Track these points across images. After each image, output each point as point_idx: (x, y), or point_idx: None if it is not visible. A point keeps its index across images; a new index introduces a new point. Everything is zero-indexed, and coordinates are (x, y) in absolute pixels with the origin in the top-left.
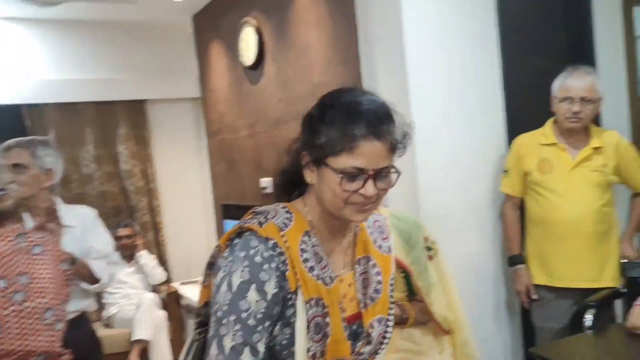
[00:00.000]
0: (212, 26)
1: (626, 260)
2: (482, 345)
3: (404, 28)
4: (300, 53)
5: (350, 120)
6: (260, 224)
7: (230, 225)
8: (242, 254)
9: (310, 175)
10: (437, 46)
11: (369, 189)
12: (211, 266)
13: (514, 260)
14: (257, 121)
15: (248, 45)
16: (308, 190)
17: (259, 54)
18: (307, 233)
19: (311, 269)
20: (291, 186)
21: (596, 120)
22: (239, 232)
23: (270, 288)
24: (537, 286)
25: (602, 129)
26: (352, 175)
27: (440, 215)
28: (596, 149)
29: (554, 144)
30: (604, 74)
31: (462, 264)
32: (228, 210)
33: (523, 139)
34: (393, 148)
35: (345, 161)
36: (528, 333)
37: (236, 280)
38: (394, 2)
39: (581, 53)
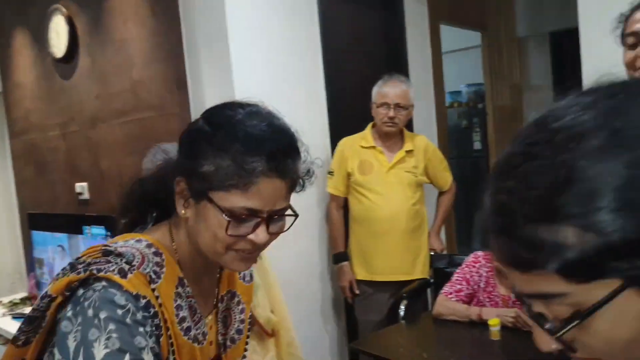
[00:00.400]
0: (15, 12)
1: (433, 253)
2: (310, 343)
3: (229, 28)
4: (118, 47)
5: (248, 149)
6: (123, 272)
7: (40, 237)
8: (104, 314)
9: (184, 208)
10: (262, 47)
11: (261, 235)
12: (32, 322)
13: (338, 257)
14: (70, 120)
15: (58, 35)
16: (176, 220)
17: (72, 46)
18: (180, 282)
19: (187, 330)
20: (148, 204)
21: (409, 126)
22: (85, 280)
23: (149, 357)
24: (359, 281)
25: (413, 134)
26: (241, 217)
27: None
28: (409, 152)
29: (372, 147)
30: (415, 84)
31: (290, 263)
32: (37, 220)
33: (346, 141)
34: (293, 186)
35: (235, 200)
36: (352, 328)
37: (100, 352)
38: (218, 1)
39: (396, 64)
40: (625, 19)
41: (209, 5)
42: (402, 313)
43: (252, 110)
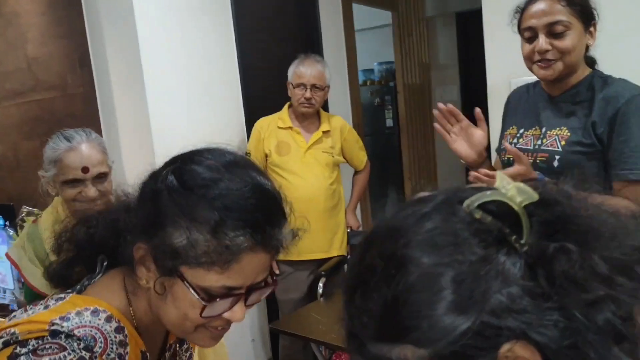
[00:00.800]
0: None
1: (350, 230)
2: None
3: (134, 3)
4: (9, 21)
5: (230, 221)
6: None
7: None
8: None
9: (146, 276)
10: (172, 26)
11: (239, 313)
12: None
13: None
14: None
15: None
16: (133, 283)
17: None
18: (143, 357)
19: None
20: (93, 251)
21: (324, 106)
22: None
23: None
24: (279, 261)
25: (330, 114)
26: (217, 296)
27: None
28: (325, 132)
29: (289, 128)
30: (329, 62)
31: None
32: None
33: (263, 122)
34: (278, 253)
35: (213, 279)
36: (273, 308)
37: None
38: None
39: (310, 42)
40: (521, 11)
41: None
42: (320, 290)
43: (229, 165)
